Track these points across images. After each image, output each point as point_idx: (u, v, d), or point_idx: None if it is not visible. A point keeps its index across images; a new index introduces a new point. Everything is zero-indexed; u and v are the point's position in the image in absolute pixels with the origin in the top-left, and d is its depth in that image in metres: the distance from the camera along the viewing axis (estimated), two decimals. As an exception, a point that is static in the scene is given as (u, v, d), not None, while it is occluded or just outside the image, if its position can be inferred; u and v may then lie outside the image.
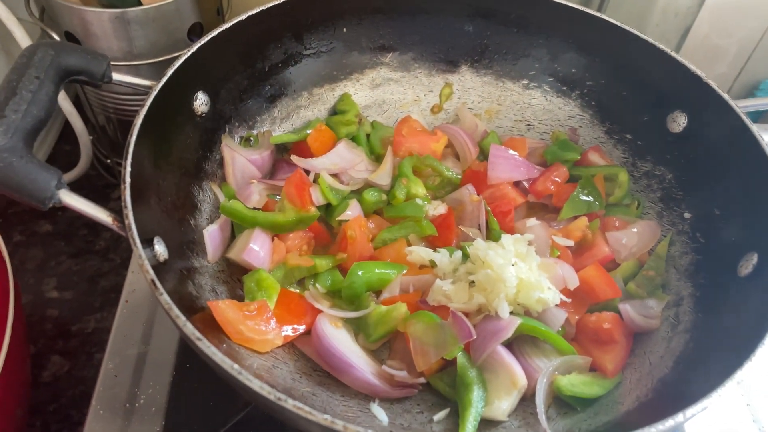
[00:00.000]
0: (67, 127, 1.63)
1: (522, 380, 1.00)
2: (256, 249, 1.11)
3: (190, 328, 0.79)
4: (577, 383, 1.00)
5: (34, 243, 1.71)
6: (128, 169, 0.94)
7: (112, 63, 1.05)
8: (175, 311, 0.80)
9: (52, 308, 1.60)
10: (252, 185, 1.19)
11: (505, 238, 1.09)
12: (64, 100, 1.57)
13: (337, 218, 1.20)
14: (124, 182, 0.93)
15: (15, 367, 1.10)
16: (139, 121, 1.00)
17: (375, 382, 1.02)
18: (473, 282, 1.06)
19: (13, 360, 1.06)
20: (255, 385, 0.74)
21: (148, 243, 0.94)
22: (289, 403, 0.72)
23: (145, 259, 0.85)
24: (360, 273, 1.10)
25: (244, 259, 1.11)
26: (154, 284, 0.83)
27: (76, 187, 1.76)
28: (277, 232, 1.15)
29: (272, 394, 0.73)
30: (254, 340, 1.00)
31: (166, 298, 0.82)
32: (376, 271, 1.12)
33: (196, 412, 1.10)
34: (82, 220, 1.76)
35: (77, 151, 1.66)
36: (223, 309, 0.99)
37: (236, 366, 0.76)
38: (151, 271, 0.84)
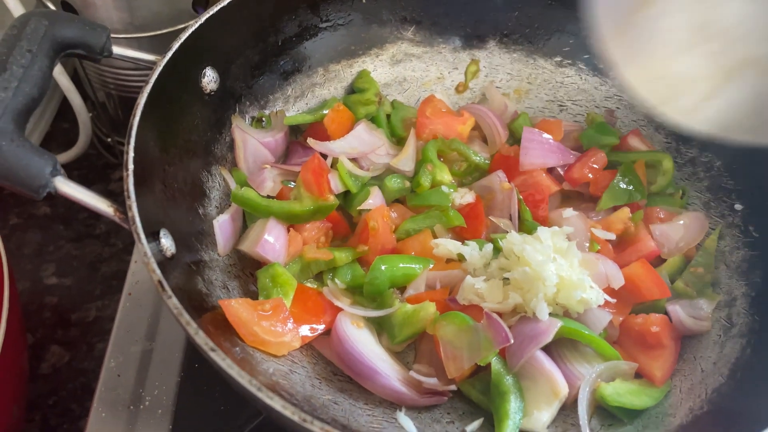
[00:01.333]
0: (65, 104, 1.57)
1: (564, 389, 0.92)
2: (271, 241, 1.02)
3: (202, 337, 0.70)
4: (623, 392, 0.92)
5: (31, 226, 1.63)
6: (131, 154, 0.86)
7: (111, 36, 0.96)
8: (186, 317, 0.72)
9: (51, 295, 1.53)
10: (265, 171, 1.10)
11: (542, 231, 1.00)
12: (60, 75, 1.49)
13: (357, 208, 1.10)
14: (127, 169, 0.84)
15: (11, 359, 1.03)
16: (142, 100, 0.92)
17: (402, 390, 0.94)
18: (507, 279, 0.97)
19: (8, 351, 0.98)
20: (277, 404, 0.66)
21: (153, 236, 0.86)
22: (316, 426, 0.64)
23: (151, 256, 0.76)
24: (383, 268, 1.02)
25: (257, 252, 1.02)
26: (162, 286, 0.74)
27: (74, 167, 1.69)
28: (292, 222, 1.06)
29: (296, 414, 0.65)
30: (270, 342, 0.92)
31: (175, 301, 0.73)
32: (401, 265, 1.03)
33: (205, 416, 1.03)
34: (82, 201, 1.68)
35: (76, 129, 1.58)
36: (236, 309, 0.90)
37: (255, 381, 0.68)
38: (158, 271, 0.75)
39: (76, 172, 1.71)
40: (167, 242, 0.87)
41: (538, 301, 0.93)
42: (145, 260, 0.76)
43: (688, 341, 1.03)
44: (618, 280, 1.00)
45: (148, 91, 0.93)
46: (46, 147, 1.72)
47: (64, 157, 1.66)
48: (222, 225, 1.04)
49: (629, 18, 0.66)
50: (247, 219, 1.10)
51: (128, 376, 1.08)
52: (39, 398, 1.38)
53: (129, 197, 0.81)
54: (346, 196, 1.15)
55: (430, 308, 0.97)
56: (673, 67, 0.64)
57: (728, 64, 0.59)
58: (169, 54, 0.98)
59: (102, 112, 1.60)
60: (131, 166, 0.84)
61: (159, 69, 0.96)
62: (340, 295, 1.03)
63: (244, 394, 0.70)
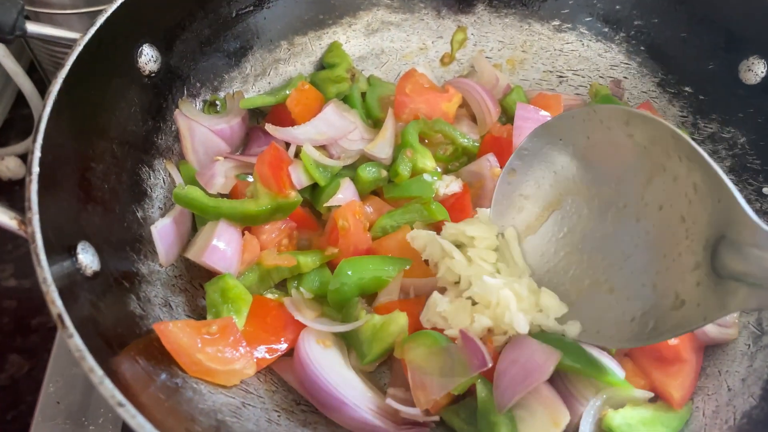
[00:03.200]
0: None
1: (565, 418, 0.79)
2: (221, 248, 0.89)
3: (108, 389, 0.56)
4: (634, 422, 0.79)
5: (-13, 224, 1.51)
6: (37, 154, 0.72)
7: (59, 12, 0.85)
8: (89, 362, 0.58)
9: (9, 299, 1.42)
10: (216, 164, 0.97)
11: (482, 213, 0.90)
12: (5, 58, 1.37)
13: (325, 204, 0.96)
14: (30, 173, 0.70)
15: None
16: (55, 88, 0.79)
17: (374, 422, 0.81)
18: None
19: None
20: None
21: (68, 252, 0.72)
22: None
23: (52, 283, 0.62)
24: (349, 273, 0.88)
25: (204, 261, 0.88)
26: (62, 321, 0.60)
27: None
28: (247, 224, 0.93)
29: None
30: (217, 371, 0.79)
31: (77, 341, 0.59)
32: (371, 268, 0.90)
33: (156, 447, 0.90)
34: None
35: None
36: (175, 334, 0.77)
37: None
38: (59, 302, 0.61)
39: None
40: (86, 258, 0.74)
41: (512, 314, 0.79)
42: (44, 287, 0.62)
43: (712, 352, 0.90)
44: None
45: (64, 76, 0.80)
46: (4, 135, 1.63)
47: (22, 146, 1.55)
48: (162, 231, 0.90)
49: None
50: (196, 221, 0.96)
51: (69, 403, 0.95)
52: (-5, 412, 1.28)
53: (30, 208, 0.67)
54: (314, 188, 1.01)
55: (400, 319, 0.84)
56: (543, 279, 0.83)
57: (583, 286, 0.78)
58: (92, 30, 0.85)
59: (57, 98, 1.47)
60: (36, 169, 0.70)
61: (78, 49, 0.83)
62: (304, 307, 0.90)
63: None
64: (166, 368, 0.76)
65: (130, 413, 0.56)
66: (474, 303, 0.84)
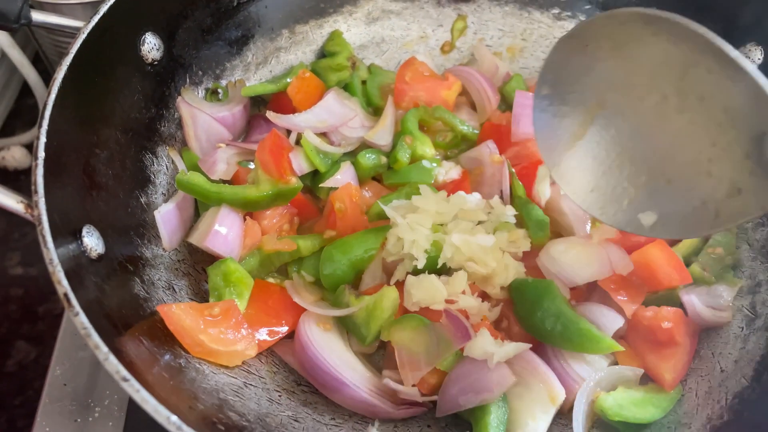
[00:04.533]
0: None
1: (561, 395, 0.80)
2: (223, 232, 0.90)
3: (113, 364, 0.58)
4: (626, 403, 0.80)
5: (-6, 211, 1.53)
6: (42, 139, 0.74)
7: (64, 1, 0.85)
8: (95, 339, 0.59)
9: (17, 287, 1.44)
10: (218, 151, 0.98)
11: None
12: (11, 48, 1.39)
13: (321, 185, 0.97)
14: (36, 158, 0.71)
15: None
16: (60, 75, 0.80)
17: (374, 401, 0.83)
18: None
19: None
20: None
21: (74, 235, 0.74)
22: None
23: (58, 263, 0.64)
24: (338, 257, 0.90)
25: (206, 245, 0.89)
26: (68, 300, 0.62)
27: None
28: (249, 209, 0.94)
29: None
30: (219, 352, 0.80)
31: (82, 319, 0.61)
32: (354, 244, 0.91)
33: (160, 428, 0.91)
34: (48, 184, 1.58)
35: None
36: (178, 315, 0.78)
37: (174, 418, 0.55)
38: (65, 282, 0.63)
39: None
40: (92, 241, 0.76)
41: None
42: (50, 268, 0.64)
43: (706, 335, 0.91)
44: (626, 266, 0.89)
45: (68, 64, 0.81)
46: (10, 125, 1.64)
47: (28, 136, 1.57)
48: (165, 215, 0.92)
49: (566, 150, 0.85)
50: (198, 207, 0.97)
51: (76, 385, 0.97)
52: (4, 397, 1.30)
53: (36, 192, 0.69)
54: (314, 175, 1.02)
55: (392, 293, 0.86)
56: (601, 182, 0.82)
57: (641, 181, 0.78)
58: (96, 18, 0.86)
59: (61, 87, 1.48)
60: (41, 154, 0.72)
61: (83, 36, 0.84)
62: (305, 291, 0.91)
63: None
64: (170, 349, 0.78)
65: (134, 387, 0.58)
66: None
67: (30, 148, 1.59)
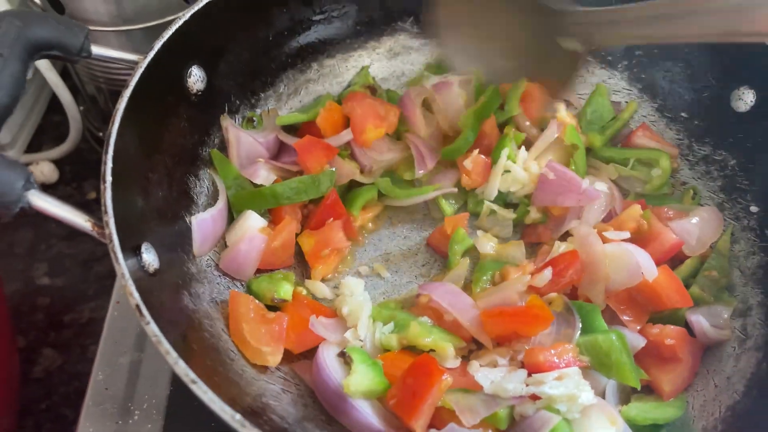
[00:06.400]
0: (56, 97, 1.52)
1: (619, 419, 0.85)
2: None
3: (182, 368, 0.66)
4: (647, 409, 0.88)
5: (23, 224, 1.59)
6: (109, 164, 0.80)
7: (97, 29, 0.91)
8: (165, 346, 0.67)
9: (43, 296, 1.50)
10: (259, 164, 1.07)
11: None
12: (48, 71, 1.45)
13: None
14: (104, 182, 0.79)
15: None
16: (122, 105, 0.86)
17: (380, 428, 0.85)
18: None
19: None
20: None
21: (134, 251, 0.81)
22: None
23: (129, 277, 0.71)
24: None
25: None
26: (140, 311, 0.69)
27: (67, 162, 1.65)
28: (296, 201, 1.06)
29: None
30: (248, 344, 0.90)
31: (154, 328, 0.68)
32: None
33: (197, 431, 0.98)
34: (74, 198, 1.64)
35: (68, 123, 1.54)
36: (240, 301, 0.92)
37: (238, 417, 0.63)
38: (136, 294, 0.70)
39: (68, 167, 1.67)
40: (149, 257, 0.83)
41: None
42: (122, 282, 0.71)
43: (703, 354, 0.97)
44: (651, 272, 0.93)
45: (129, 95, 0.88)
46: (37, 142, 1.69)
47: (56, 152, 1.63)
48: (201, 223, 0.99)
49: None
50: (233, 211, 1.06)
51: (116, 389, 1.03)
52: (31, 403, 1.35)
53: (106, 212, 0.76)
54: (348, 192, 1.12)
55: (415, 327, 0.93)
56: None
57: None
58: (152, 54, 0.93)
59: (92, 106, 1.54)
60: (109, 178, 0.79)
61: (140, 70, 0.91)
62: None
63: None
64: (216, 356, 0.85)
65: (202, 389, 0.65)
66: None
67: (57, 163, 1.65)
